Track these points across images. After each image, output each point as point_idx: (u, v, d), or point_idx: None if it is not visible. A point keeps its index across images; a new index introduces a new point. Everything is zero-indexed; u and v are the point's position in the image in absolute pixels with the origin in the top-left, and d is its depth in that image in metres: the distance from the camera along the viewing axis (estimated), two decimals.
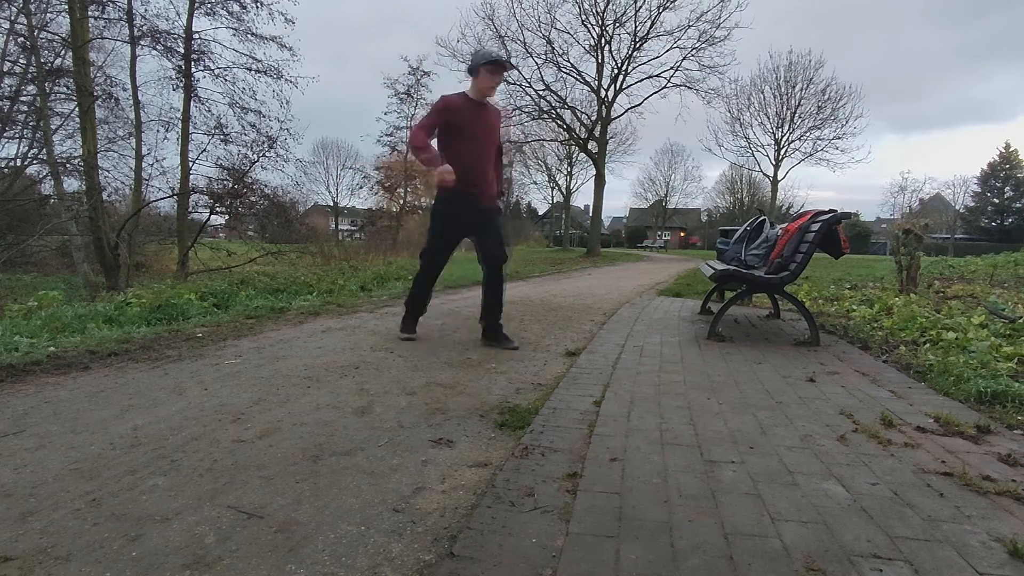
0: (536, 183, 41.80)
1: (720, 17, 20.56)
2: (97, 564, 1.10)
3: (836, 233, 3.76)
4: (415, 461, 1.65)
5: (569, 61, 22.76)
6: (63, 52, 12.43)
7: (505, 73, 3.51)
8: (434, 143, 3.34)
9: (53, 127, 13.11)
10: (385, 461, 1.64)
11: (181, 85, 12.97)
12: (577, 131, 24.31)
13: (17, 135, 14.63)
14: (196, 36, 13.18)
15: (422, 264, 3.51)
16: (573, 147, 30.16)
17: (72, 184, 12.77)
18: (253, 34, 13.45)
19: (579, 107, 24.36)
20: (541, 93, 22.85)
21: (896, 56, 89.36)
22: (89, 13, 11.40)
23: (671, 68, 22.10)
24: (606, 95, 23.17)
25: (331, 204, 43.01)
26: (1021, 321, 3.84)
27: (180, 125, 13.18)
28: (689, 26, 21.03)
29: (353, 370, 2.71)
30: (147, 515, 1.30)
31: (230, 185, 13.17)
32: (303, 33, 19.19)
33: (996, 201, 44.37)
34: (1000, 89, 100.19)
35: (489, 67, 3.32)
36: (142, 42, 12.52)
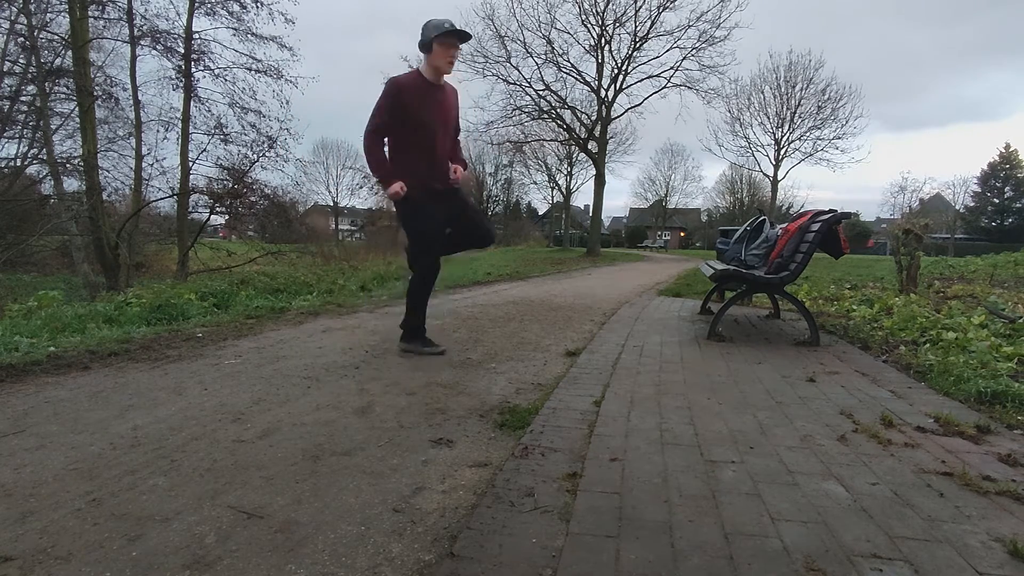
0: (536, 183, 41.75)
1: (720, 17, 20.53)
2: (97, 564, 1.10)
3: (836, 233, 3.77)
4: (415, 461, 1.65)
5: (569, 61, 22.73)
6: (63, 52, 12.47)
7: (462, 44, 3.01)
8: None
9: (53, 127, 13.15)
10: (385, 461, 1.64)
11: (181, 85, 12.99)
12: (577, 131, 24.28)
13: (17, 135, 14.68)
14: (196, 36, 13.20)
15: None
16: (573, 147, 30.07)
17: (72, 184, 12.83)
18: (253, 34, 13.49)
19: (579, 107, 24.33)
20: (541, 93, 22.82)
21: (885, 55, 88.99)
22: (89, 13, 11.43)
23: (671, 68, 22.04)
24: (606, 95, 23.14)
25: (331, 204, 43.06)
26: (1021, 321, 3.84)
27: (180, 125, 13.21)
28: (689, 26, 21.00)
29: (353, 370, 2.71)
30: (147, 515, 1.30)
31: (230, 185, 13.18)
32: (302, 32, 19.19)
33: (996, 201, 44.30)
34: (994, 88, 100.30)
35: (443, 40, 2.89)
36: (142, 42, 12.56)
